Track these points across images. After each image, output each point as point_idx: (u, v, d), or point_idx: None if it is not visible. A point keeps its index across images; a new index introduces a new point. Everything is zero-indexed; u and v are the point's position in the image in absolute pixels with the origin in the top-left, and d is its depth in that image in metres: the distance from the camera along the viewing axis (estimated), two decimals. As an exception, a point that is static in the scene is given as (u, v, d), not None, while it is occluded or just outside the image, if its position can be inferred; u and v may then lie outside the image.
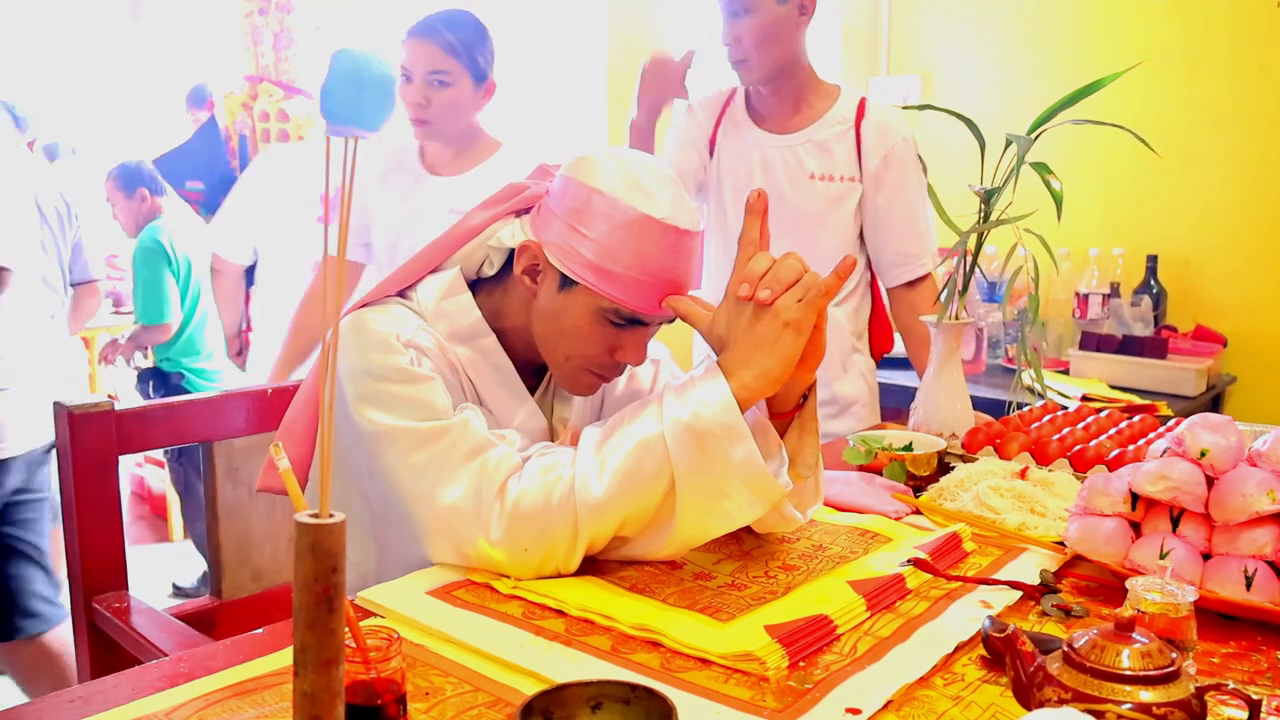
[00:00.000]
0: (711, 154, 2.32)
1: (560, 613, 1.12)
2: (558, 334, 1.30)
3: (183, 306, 3.87)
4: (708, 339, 1.24)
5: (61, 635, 2.64)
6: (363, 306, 1.32)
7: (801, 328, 1.15)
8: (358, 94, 2.92)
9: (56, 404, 1.53)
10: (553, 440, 1.39)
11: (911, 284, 2.28)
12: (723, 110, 2.32)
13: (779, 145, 2.25)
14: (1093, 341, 2.95)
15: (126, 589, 1.57)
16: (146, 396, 3.89)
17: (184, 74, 4.88)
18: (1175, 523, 1.19)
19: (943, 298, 1.85)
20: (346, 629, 0.72)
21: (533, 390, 1.39)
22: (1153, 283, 3.18)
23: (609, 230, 1.23)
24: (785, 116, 2.26)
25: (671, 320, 1.30)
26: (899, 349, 2.40)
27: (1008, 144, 1.78)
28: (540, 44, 4.07)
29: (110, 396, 1.65)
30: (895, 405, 2.76)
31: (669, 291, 1.26)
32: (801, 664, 1.01)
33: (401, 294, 1.36)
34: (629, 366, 1.35)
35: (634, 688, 0.81)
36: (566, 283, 1.27)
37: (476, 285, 1.37)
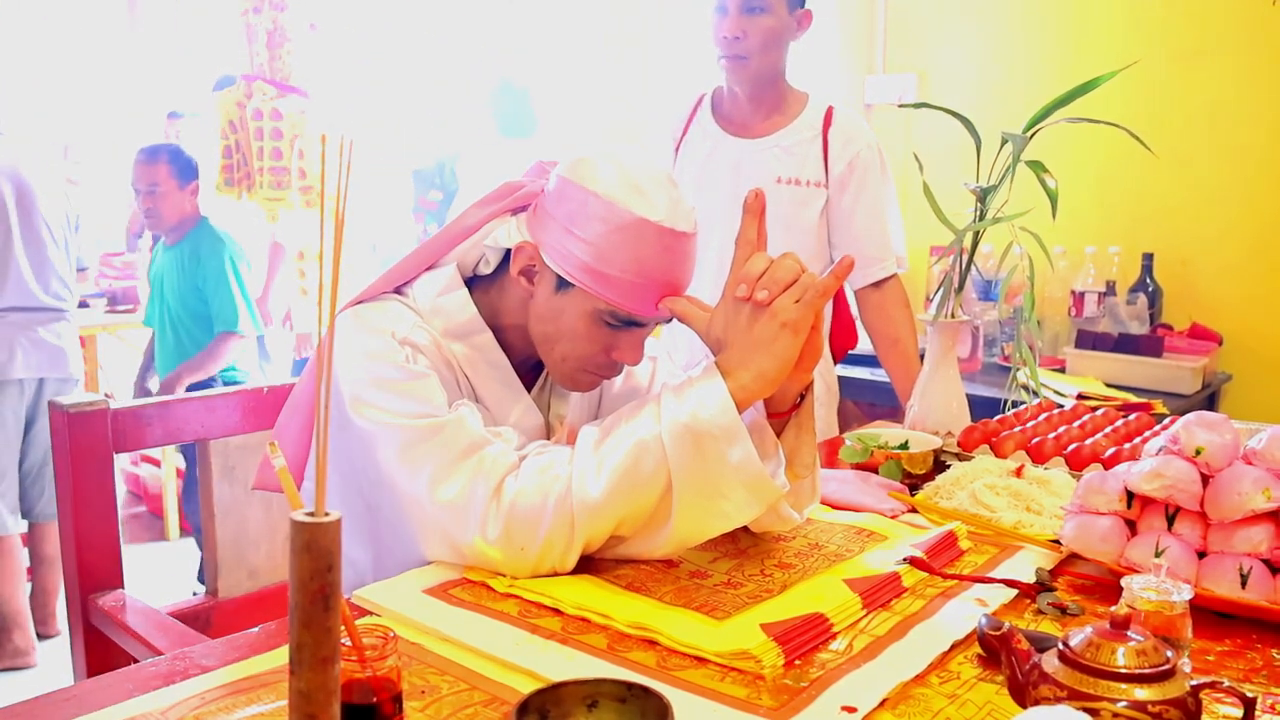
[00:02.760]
0: (676, 156, 2.36)
1: (556, 611, 1.12)
2: (554, 334, 1.30)
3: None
4: (705, 339, 1.24)
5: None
6: (359, 303, 1.32)
7: (799, 328, 1.15)
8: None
9: (52, 403, 1.53)
10: (549, 437, 1.39)
11: (879, 285, 2.31)
12: (691, 115, 2.38)
13: (747, 149, 2.29)
14: (1088, 340, 2.95)
15: (122, 587, 1.56)
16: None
17: (182, 77, 4.89)
18: (1171, 521, 1.19)
19: (938, 296, 1.85)
20: (343, 627, 0.72)
21: (529, 387, 1.39)
22: (1148, 281, 3.18)
23: (605, 233, 1.23)
24: (755, 122, 2.31)
25: (668, 320, 1.30)
26: (865, 346, 2.44)
27: (1003, 142, 1.79)
28: (537, 38, 4.08)
29: (106, 395, 1.65)
30: (891, 404, 2.76)
31: (666, 293, 1.26)
32: (797, 662, 1.01)
33: (398, 291, 1.36)
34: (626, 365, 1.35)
35: (630, 686, 0.81)
36: (563, 284, 1.27)
37: (473, 283, 1.37)
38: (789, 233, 2.22)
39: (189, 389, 3.51)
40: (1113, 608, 0.86)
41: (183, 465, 4.42)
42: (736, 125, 2.32)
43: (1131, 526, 1.23)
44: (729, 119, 2.33)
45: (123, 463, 4.65)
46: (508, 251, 1.32)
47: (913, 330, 2.33)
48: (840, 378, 3.00)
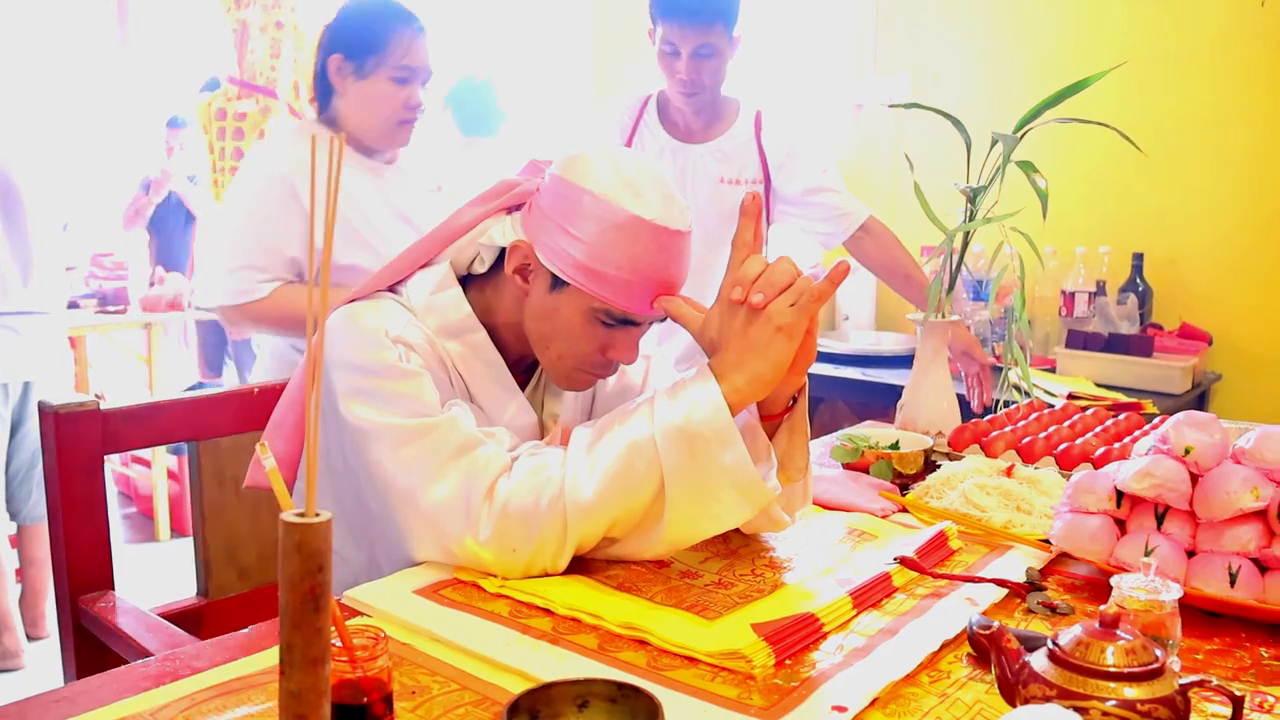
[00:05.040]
0: None
1: (547, 611, 1.12)
2: (550, 333, 1.30)
3: None
4: (699, 340, 1.24)
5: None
6: (353, 301, 1.32)
7: (794, 332, 1.15)
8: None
9: (42, 403, 1.52)
10: (543, 436, 1.39)
11: (866, 230, 2.53)
12: (638, 118, 2.57)
13: (691, 153, 2.52)
14: (1079, 339, 2.96)
15: (113, 589, 1.56)
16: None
17: (174, 80, 4.88)
18: (1160, 520, 1.20)
19: (929, 296, 1.85)
20: (333, 628, 0.72)
21: (523, 386, 1.39)
22: (1138, 281, 3.19)
23: (600, 232, 1.22)
24: (699, 129, 2.53)
25: (663, 319, 1.30)
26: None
27: (994, 143, 1.79)
28: (525, 36, 4.07)
29: (96, 395, 1.65)
30: (882, 404, 2.77)
31: (660, 292, 1.26)
32: (788, 662, 1.02)
33: (392, 289, 1.35)
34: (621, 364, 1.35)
35: (620, 686, 0.81)
36: (558, 283, 1.27)
37: (467, 281, 1.37)
38: (729, 228, 2.37)
39: None
40: (1102, 607, 0.86)
41: (174, 466, 4.39)
42: (682, 131, 2.54)
43: (1121, 526, 1.24)
44: (675, 125, 2.54)
45: (113, 464, 4.64)
46: (502, 250, 1.32)
47: (914, 262, 2.58)
48: (833, 378, 3.02)
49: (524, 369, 1.40)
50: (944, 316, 1.84)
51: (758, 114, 2.54)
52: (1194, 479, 1.18)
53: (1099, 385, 2.78)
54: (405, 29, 2.05)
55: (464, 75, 3.72)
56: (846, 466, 1.69)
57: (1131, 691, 0.79)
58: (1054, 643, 0.84)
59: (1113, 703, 0.79)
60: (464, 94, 3.64)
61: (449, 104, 3.64)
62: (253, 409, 1.70)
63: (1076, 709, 0.76)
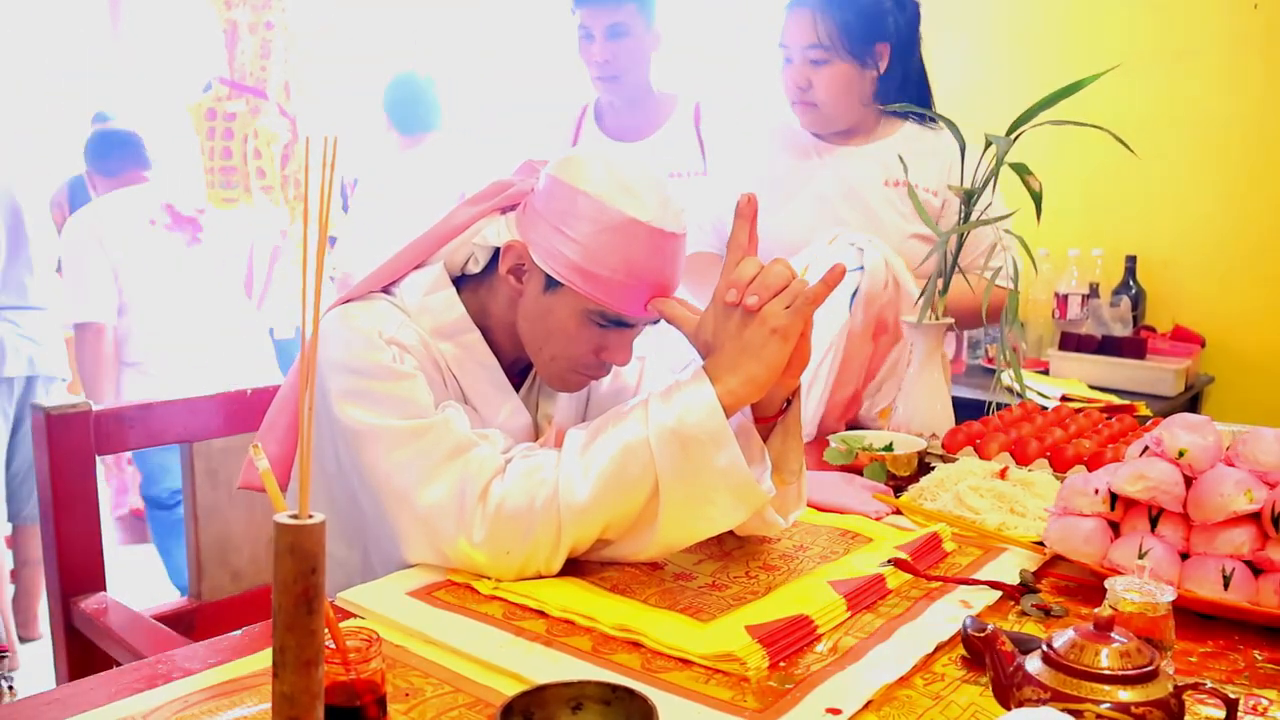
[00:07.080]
0: None
1: (541, 613, 1.11)
2: (543, 334, 1.30)
3: None
4: (694, 342, 1.24)
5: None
6: (346, 302, 1.32)
7: (788, 334, 1.15)
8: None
9: (33, 405, 1.52)
10: (537, 437, 1.39)
11: None
12: (578, 128, 2.62)
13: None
14: (1072, 342, 2.96)
15: (105, 590, 1.56)
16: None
17: (164, 81, 4.87)
18: (1154, 522, 1.20)
19: (923, 298, 1.85)
20: (326, 630, 0.72)
21: (517, 387, 1.39)
22: (1131, 283, 3.20)
23: (595, 233, 1.22)
24: (632, 128, 2.55)
25: (656, 321, 1.30)
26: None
27: (987, 144, 1.79)
28: (521, 40, 4.06)
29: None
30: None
31: (654, 293, 1.26)
32: (782, 664, 1.01)
33: (385, 290, 1.35)
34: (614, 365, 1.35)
35: (614, 688, 0.81)
36: (552, 284, 1.27)
37: (461, 282, 1.37)
38: None
39: None
40: (1096, 609, 0.86)
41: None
42: (616, 132, 2.56)
43: (1115, 528, 1.24)
44: (611, 129, 2.57)
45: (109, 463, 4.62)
46: (497, 250, 1.32)
47: None
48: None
49: (519, 370, 1.40)
50: (937, 318, 1.84)
51: (696, 106, 2.56)
52: (1188, 481, 1.19)
53: (1092, 387, 2.78)
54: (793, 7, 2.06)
55: (398, 73, 3.68)
56: (840, 468, 1.69)
57: (1126, 694, 0.80)
58: (1048, 645, 0.84)
59: (1107, 705, 0.79)
60: (399, 92, 3.61)
61: (385, 106, 3.61)
62: (245, 411, 1.70)
63: (1071, 712, 0.77)
